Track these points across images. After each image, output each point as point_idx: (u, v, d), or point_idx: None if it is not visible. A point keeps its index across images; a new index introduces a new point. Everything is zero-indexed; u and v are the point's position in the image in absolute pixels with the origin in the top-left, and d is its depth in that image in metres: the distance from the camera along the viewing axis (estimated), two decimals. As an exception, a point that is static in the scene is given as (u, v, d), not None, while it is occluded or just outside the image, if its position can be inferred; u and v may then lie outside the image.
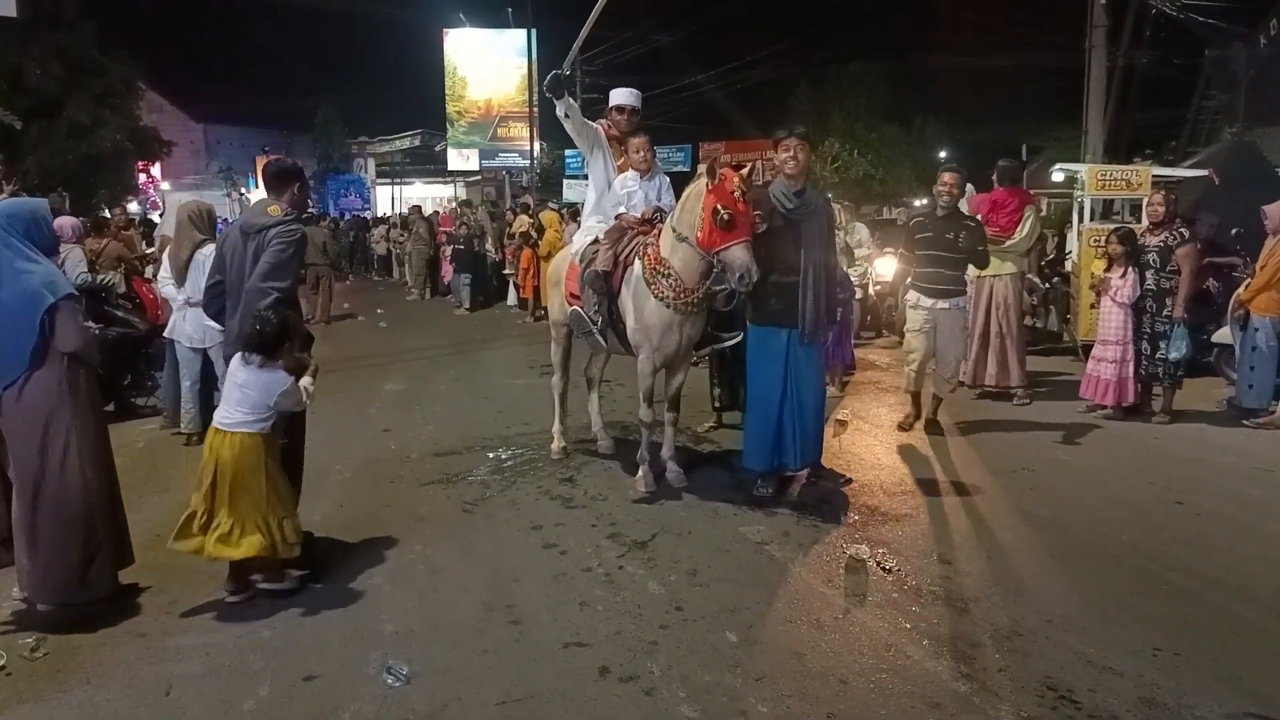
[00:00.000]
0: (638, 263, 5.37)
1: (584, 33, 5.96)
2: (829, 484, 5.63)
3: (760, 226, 5.05)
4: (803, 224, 5.22)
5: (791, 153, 5.19)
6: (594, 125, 5.99)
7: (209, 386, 6.88)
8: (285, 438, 4.30)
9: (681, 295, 5.17)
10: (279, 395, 4.04)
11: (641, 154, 5.71)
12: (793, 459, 5.39)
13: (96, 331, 3.96)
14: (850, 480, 5.72)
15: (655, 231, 5.40)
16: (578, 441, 6.58)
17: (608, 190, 5.90)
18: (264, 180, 4.72)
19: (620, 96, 6.08)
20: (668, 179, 5.87)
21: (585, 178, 6.46)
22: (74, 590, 3.91)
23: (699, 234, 4.96)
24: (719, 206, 4.81)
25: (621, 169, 5.90)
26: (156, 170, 33.86)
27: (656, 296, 5.22)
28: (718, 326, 5.82)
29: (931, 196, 7.39)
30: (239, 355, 4.11)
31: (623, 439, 6.55)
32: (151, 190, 33.92)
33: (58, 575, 3.88)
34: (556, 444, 6.41)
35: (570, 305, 5.88)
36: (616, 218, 5.69)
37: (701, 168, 5.13)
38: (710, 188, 4.89)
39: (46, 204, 4.22)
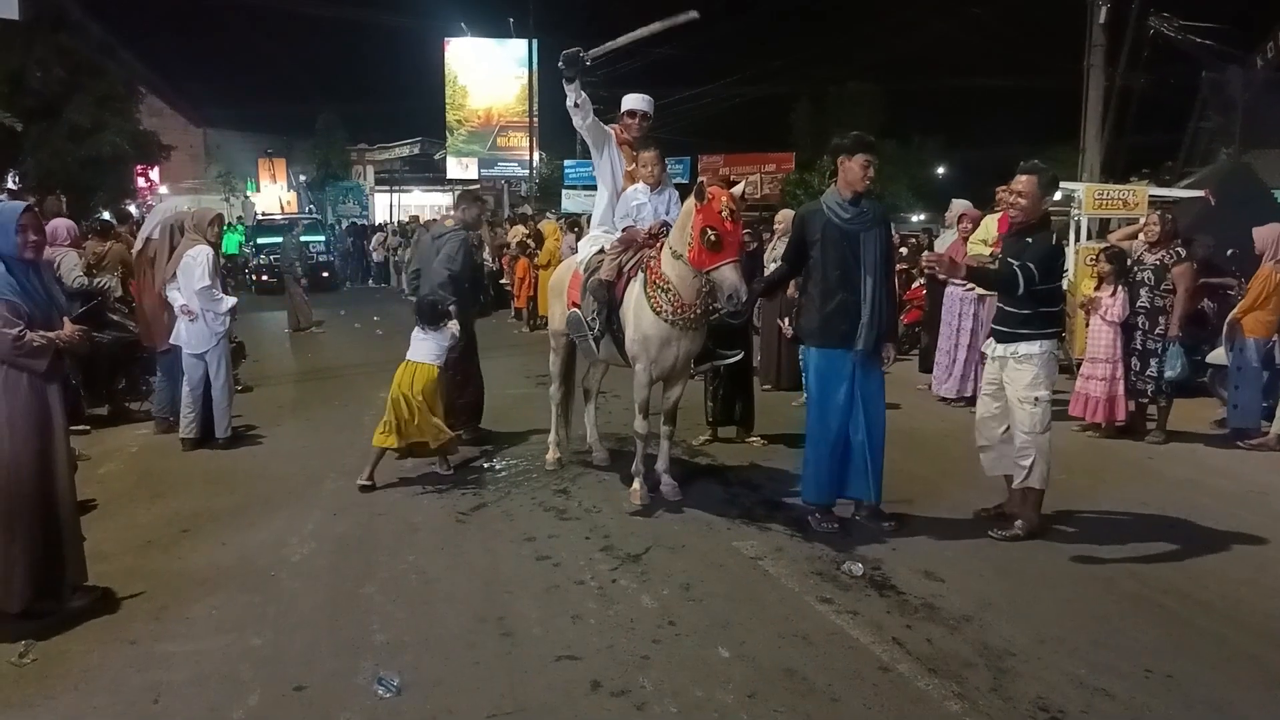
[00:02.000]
0: (640, 275, 5.40)
1: (627, 39, 5.75)
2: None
3: (750, 245, 5.00)
4: (861, 234, 4.96)
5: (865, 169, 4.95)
6: (606, 128, 5.93)
7: (209, 392, 6.88)
8: (460, 374, 6.82)
9: (680, 310, 5.18)
10: (445, 343, 6.17)
11: (650, 168, 5.70)
12: (867, 492, 5.11)
13: (26, 338, 3.83)
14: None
15: (659, 245, 5.42)
16: (573, 453, 6.58)
17: (617, 196, 5.87)
18: (455, 200, 8.36)
19: (633, 101, 6.00)
20: (676, 193, 5.84)
21: (583, 189, 6.45)
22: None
23: (690, 253, 4.99)
24: (707, 227, 4.84)
25: (630, 177, 5.90)
26: (155, 174, 33.83)
27: (655, 310, 5.23)
28: (720, 343, 5.83)
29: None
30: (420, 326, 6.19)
31: (618, 451, 6.54)
32: (150, 194, 33.87)
33: None
34: (552, 455, 6.41)
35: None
36: (624, 230, 5.70)
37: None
38: (699, 208, 4.91)
39: (17, 210, 3.94)
